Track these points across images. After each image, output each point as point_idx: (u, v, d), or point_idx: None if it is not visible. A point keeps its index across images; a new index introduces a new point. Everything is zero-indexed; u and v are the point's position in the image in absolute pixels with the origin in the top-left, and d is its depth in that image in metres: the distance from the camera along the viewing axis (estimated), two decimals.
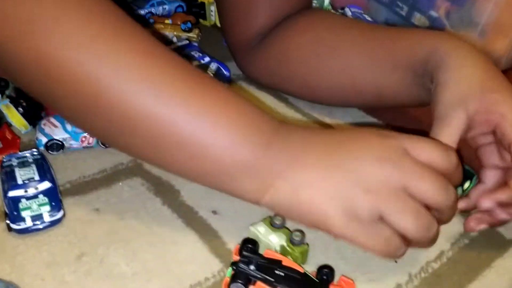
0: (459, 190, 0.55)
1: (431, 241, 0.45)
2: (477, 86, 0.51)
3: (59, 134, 0.56)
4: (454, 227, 0.53)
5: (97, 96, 0.41)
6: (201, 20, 0.93)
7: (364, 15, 0.90)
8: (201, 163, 0.43)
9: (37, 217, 0.47)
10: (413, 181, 0.42)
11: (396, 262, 0.48)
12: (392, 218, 0.41)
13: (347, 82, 0.64)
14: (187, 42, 0.80)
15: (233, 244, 0.48)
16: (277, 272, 0.44)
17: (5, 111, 0.59)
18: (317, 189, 0.42)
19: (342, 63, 0.63)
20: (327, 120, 0.70)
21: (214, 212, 0.53)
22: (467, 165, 0.56)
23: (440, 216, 0.45)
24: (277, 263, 0.44)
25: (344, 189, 0.42)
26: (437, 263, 0.49)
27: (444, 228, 0.53)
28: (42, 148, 0.56)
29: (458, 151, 0.48)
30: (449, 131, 0.50)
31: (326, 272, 0.45)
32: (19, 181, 0.49)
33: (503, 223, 0.51)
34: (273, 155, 0.43)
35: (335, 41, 0.64)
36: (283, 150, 0.44)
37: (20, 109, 0.58)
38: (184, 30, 0.83)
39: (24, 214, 0.47)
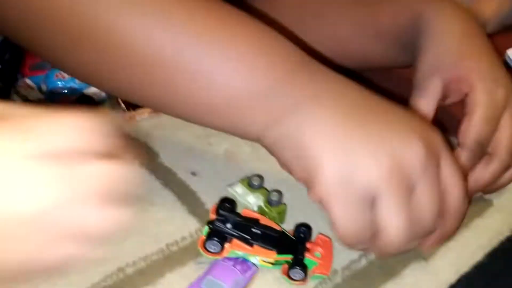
0: None
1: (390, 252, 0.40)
2: (454, 53, 0.49)
3: (34, 96, 0.55)
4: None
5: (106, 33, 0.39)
6: None
7: None
8: (209, 93, 0.40)
9: None
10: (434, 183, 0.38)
11: None
12: (385, 207, 0.37)
13: (335, 49, 0.63)
14: None
15: (211, 204, 0.47)
16: (253, 230, 0.44)
17: None
18: (325, 135, 0.37)
19: (329, 30, 0.62)
20: None
21: (193, 174, 0.52)
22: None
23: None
24: (254, 222, 0.44)
25: (354, 148, 0.37)
26: None
27: None
28: None
29: (440, 121, 0.48)
30: (425, 101, 0.49)
31: (303, 230, 0.45)
32: None
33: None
34: (292, 86, 0.39)
35: (321, 7, 0.63)
36: (305, 84, 0.39)
37: None
38: None
39: None
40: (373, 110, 0.40)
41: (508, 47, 0.77)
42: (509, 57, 0.75)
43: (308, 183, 0.39)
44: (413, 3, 0.55)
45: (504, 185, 0.51)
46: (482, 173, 0.48)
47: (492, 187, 0.50)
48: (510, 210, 0.52)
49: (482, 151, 0.48)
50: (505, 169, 0.49)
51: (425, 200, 0.38)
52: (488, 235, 0.49)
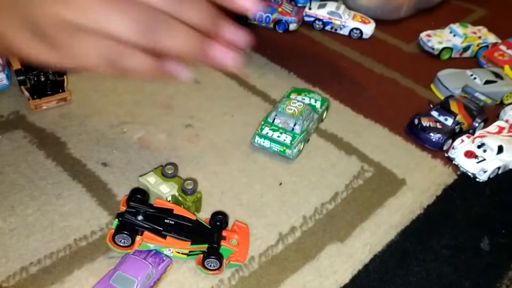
0: None
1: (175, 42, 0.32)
2: None
3: None
4: (349, 168, 0.54)
5: None
6: None
7: None
8: None
9: None
10: None
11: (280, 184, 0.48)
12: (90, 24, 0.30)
13: None
14: None
15: (123, 196, 0.45)
16: (166, 221, 0.42)
17: None
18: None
19: None
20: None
21: (104, 164, 0.50)
22: None
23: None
24: (168, 212, 0.43)
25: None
26: (331, 204, 0.50)
27: (339, 169, 0.54)
28: None
29: None
30: None
31: (219, 218, 0.44)
32: None
33: None
34: None
35: None
36: None
37: None
38: None
39: None
40: None
41: (421, 30, 0.79)
42: (422, 39, 0.78)
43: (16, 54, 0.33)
44: None
45: None
46: None
47: None
48: (422, 188, 0.53)
49: None
50: None
51: None
52: (400, 214, 0.50)
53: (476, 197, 0.53)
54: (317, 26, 0.80)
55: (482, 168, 0.54)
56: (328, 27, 0.80)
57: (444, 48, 0.76)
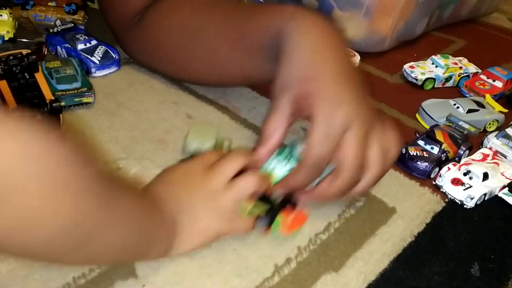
0: None
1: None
2: (301, 70, 0.50)
3: None
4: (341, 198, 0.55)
5: None
6: (89, 3, 0.88)
7: None
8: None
9: None
10: None
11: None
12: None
13: (217, 66, 0.63)
14: (72, 25, 0.76)
15: None
16: None
17: None
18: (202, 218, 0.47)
19: (208, 48, 0.63)
20: (222, 102, 0.69)
21: None
22: None
23: None
24: None
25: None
26: (325, 234, 0.51)
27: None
28: None
29: None
30: (276, 117, 0.50)
31: (288, 197, 0.51)
32: None
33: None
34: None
35: (201, 24, 0.63)
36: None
37: None
38: (68, 13, 0.78)
39: None
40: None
41: (404, 62, 0.82)
42: (405, 71, 0.80)
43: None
44: (276, 20, 0.55)
45: (358, 195, 0.52)
46: (327, 188, 0.50)
47: (345, 197, 0.51)
48: (412, 216, 0.55)
49: (319, 169, 0.49)
50: (353, 182, 0.50)
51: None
52: (392, 242, 0.51)
53: (464, 224, 0.55)
54: None
55: (469, 195, 0.56)
56: None
57: (427, 79, 0.78)
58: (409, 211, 0.55)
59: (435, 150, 0.61)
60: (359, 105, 0.49)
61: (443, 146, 0.61)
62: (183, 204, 0.46)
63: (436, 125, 0.66)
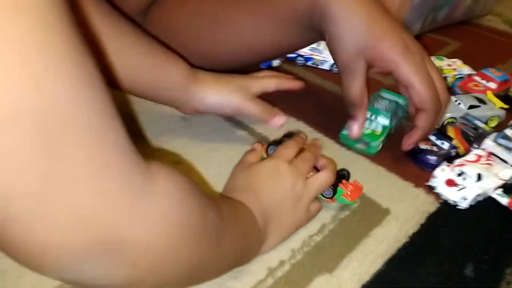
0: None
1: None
2: (367, 34, 0.55)
3: None
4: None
5: None
6: None
7: None
8: None
9: None
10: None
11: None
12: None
13: (244, 47, 0.64)
14: None
15: None
16: None
17: None
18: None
19: (233, 30, 0.63)
20: None
21: None
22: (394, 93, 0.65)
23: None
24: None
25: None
26: (319, 236, 0.51)
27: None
28: None
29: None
30: (356, 80, 0.57)
31: (344, 172, 0.57)
32: None
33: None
34: None
35: (219, 8, 0.64)
36: None
37: None
38: None
39: None
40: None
41: None
42: None
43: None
44: None
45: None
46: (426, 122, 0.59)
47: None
48: (406, 217, 0.55)
49: (440, 108, 0.59)
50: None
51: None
52: (386, 243, 0.51)
53: (458, 224, 0.55)
54: (299, 61, 0.83)
55: (463, 196, 0.56)
56: (309, 63, 0.82)
57: None
58: (403, 212, 0.55)
59: (446, 145, 0.62)
60: (415, 42, 0.58)
61: (453, 142, 0.62)
62: (271, 212, 0.47)
63: (452, 123, 0.67)
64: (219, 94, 0.60)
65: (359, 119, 0.60)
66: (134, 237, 0.28)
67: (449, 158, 0.61)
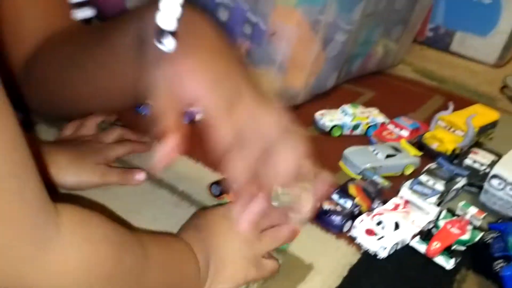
0: None
1: None
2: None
3: None
4: None
5: None
6: None
7: None
8: None
9: None
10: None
11: None
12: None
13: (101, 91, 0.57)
14: None
15: None
16: None
17: None
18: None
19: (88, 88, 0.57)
20: None
21: None
22: None
23: None
24: None
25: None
26: None
27: None
28: None
29: None
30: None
31: None
32: None
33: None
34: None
35: (72, 73, 0.57)
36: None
37: None
38: None
39: None
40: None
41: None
42: (315, 118, 0.83)
43: None
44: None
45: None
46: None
47: None
48: (329, 271, 0.55)
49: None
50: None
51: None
52: None
53: (379, 274, 0.56)
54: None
55: (381, 246, 0.58)
56: None
57: (334, 126, 0.82)
58: (326, 266, 0.55)
59: (348, 204, 0.62)
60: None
61: (355, 200, 0.62)
62: (215, 252, 0.49)
63: (352, 180, 0.67)
64: (77, 175, 0.61)
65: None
66: (40, 286, 0.31)
67: (352, 216, 0.61)
